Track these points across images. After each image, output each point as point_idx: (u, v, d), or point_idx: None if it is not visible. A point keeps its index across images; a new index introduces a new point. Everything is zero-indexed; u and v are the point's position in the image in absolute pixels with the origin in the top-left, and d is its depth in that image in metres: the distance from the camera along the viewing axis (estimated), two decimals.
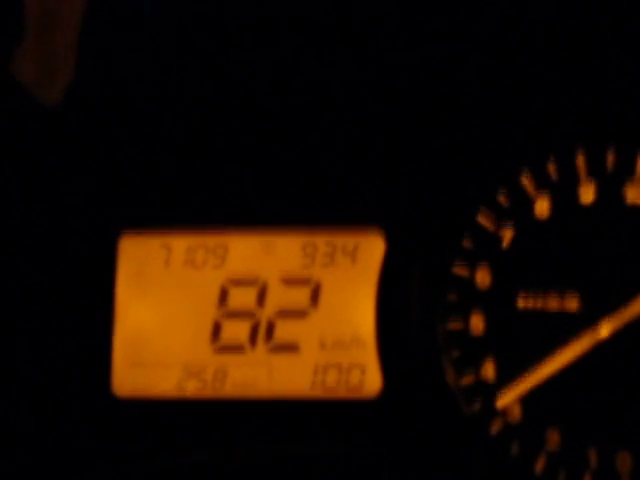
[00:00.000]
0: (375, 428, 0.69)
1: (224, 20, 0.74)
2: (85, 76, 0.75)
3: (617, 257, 0.67)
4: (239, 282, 0.71)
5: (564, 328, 0.68)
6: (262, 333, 0.71)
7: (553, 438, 0.68)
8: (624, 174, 0.68)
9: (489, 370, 0.69)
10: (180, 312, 0.71)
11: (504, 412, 0.68)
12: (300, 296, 0.71)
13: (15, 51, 0.76)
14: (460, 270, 0.70)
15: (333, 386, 0.70)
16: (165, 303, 0.72)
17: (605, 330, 0.67)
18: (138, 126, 0.73)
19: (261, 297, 0.71)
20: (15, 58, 0.76)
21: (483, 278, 0.69)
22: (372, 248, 0.70)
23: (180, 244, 0.72)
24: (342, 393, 0.70)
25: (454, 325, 0.70)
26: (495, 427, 0.69)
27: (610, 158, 0.68)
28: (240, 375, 0.71)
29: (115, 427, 0.71)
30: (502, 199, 0.70)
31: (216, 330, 0.71)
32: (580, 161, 0.69)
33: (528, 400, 0.68)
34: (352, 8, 0.72)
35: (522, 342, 0.68)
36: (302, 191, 0.72)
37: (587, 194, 0.68)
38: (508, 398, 0.68)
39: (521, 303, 0.69)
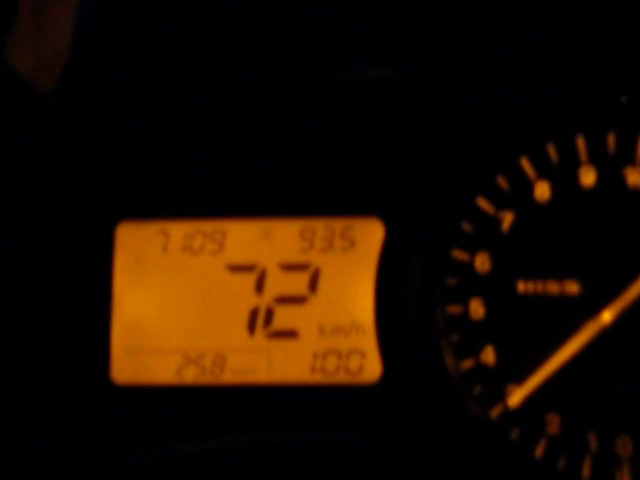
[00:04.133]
0: (375, 413, 0.69)
1: (221, 7, 0.73)
2: (81, 63, 0.74)
3: (618, 240, 0.67)
4: (237, 268, 0.71)
5: (564, 312, 0.68)
6: (261, 319, 0.71)
7: (553, 422, 0.68)
8: (625, 157, 0.68)
9: (489, 355, 0.69)
10: (178, 298, 0.71)
11: (505, 396, 0.68)
12: (299, 282, 0.71)
13: (9, 38, 0.76)
14: (459, 254, 0.70)
15: (333, 372, 0.70)
16: (163, 289, 0.71)
17: (607, 316, 0.67)
18: (135, 112, 0.73)
19: (260, 283, 0.71)
20: (9, 45, 0.76)
21: (483, 262, 0.69)
22: (371, 232, 0.70)
23: (178, 230, 0.72)
24: (342, 378, 0.70)
25: (453, 310, 0.69)
26: (495, 412, 0.69)
27: (611, 142, 0.68)
28: (239, 362, 0.70)
29: (114, 414, 0.70)
30: (502, 183, 0.69)
31: (215, 316, 0.71)
32: (580, 144, 0.68)
33: None
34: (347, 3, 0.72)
35: (522, 326, 0.68)
36: (300, 181, 0.71)
37: (588, 177, 0.68)
38: (519, 397, 0.68)
39: (521, 287, 0.69)
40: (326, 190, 0.71)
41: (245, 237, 0.71)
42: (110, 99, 0.73)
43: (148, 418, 0.70)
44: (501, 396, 0.68)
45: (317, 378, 0.70)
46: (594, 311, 0.67)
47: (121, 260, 0.72)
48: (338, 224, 0.71)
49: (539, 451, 0.68)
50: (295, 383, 0.70)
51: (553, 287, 0.68)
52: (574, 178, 0.69)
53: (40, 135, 0.73)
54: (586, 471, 0.67)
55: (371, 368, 0.70)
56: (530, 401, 0.68)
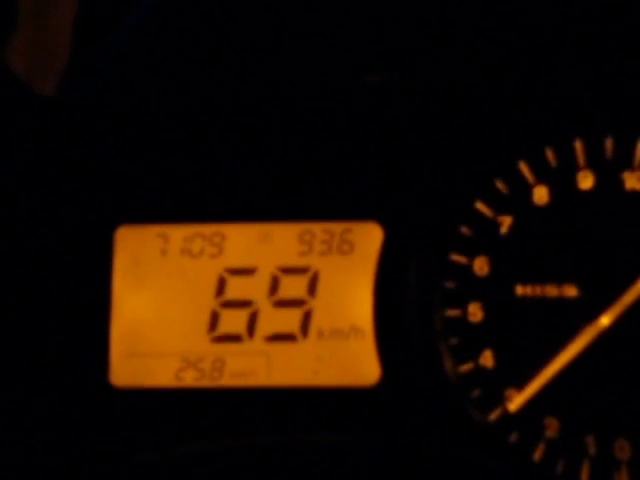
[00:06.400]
0: (374, 416, 0.69)
1: (221, 11, 0.74)
2: (79, 66, 0.75)
3: (616, 244, 0.67)
4: (236, 271, 0.71)
5: (563, 316, 0.68)
6: (260, 322, 0.71)
7: (552, 426, 0.68)
8: (622, 162, 0.68)
9: (488, 358, 0.69)
10: (177, 302, 0.71)
11: (504, 400, 0.68)
12: (298, 285, 0.71)
13: (8, 41, 0.76)
14: (458, 257, 0.70)
15: (331, 375, 0.70)
16: (162, 293, 0.71)
17: (606, 320, 0.67)
18: (134, 115, 0.73)
19: (258, 286, 0.71)
20: (8, 48, 0.76)
21: (481, 265, 0.69)
22: (370, 236, 0.70)
23: (177, 233, 0.72)
24: (340, 382, 0.70)
25: (452, 313, 0.70)
26: (494, 415, 0.69)
27: (608, 146, 0.68)
28: (238, 365, 0.70)
29: (113, 418, 0.70)
30: (501, 187, 0.70)
31: (214, 320, 0.71)
32: (579, 149, 0.69)
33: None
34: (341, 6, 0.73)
35: (521, 330, 0.68)
36: (299, 184, 0.71)
37: (586, 181, 0.69)
38: (519, 402, 0.68)
39: (519, 291, 0.69)
40: (325, 194, 0.71)
41: (244, 240, 0.71)
42: (109, 102, 0.73)
43: (147, 421, 0.70)
44: (500, 400, 0.69)
45: (316, 381, 0.70)
46: (592, 315, 0.67)
47: (120, 263, 0.72)
48: (337, 228, 0.71)
49: (538, 455, 0.68)
50: (294, 386, 0.70)
51: (551, 291, 0.68)
52: (572, 182, 0.69)
53: (39, 138, 0.73)
54: (584, 475, 0.67)
55: (370, 371, 0.70)
56: (529, 405, 0.68)
